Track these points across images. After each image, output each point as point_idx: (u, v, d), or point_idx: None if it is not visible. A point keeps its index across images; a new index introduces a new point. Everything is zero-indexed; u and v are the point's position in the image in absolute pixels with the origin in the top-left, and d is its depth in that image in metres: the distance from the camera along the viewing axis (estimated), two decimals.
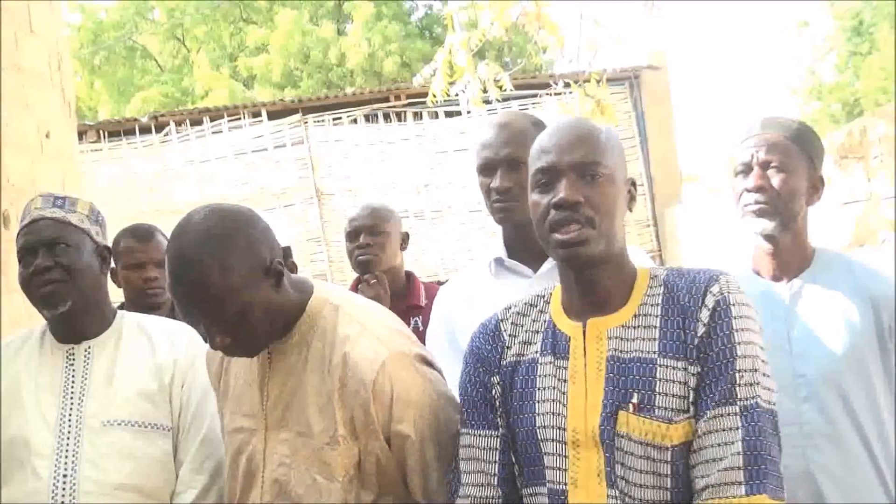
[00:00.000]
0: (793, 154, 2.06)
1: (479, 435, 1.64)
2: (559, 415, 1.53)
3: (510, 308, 1.71)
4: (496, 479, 1.61)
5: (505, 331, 1.68)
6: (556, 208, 1.52)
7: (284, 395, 1.76)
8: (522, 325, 1.67)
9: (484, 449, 1.63)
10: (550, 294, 1.67)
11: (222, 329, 1.65)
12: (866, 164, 6.29)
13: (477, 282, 2.22)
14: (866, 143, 6.29)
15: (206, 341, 1.73)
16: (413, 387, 1.69)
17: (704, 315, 1.47)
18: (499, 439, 1.63)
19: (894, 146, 5.50)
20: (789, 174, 2.05)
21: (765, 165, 2.06)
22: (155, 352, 2.09)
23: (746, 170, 2.09)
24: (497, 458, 1.62)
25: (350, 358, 1.68)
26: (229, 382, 1.90)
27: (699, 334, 1.46)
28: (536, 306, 1.68)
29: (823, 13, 23.56)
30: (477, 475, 1.62)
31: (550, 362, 1.58)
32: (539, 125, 2.13)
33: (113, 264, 3.00)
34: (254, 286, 1.65)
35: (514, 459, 1.62)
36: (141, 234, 3.07)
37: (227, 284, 1.61)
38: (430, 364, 1.78)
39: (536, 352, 1.61)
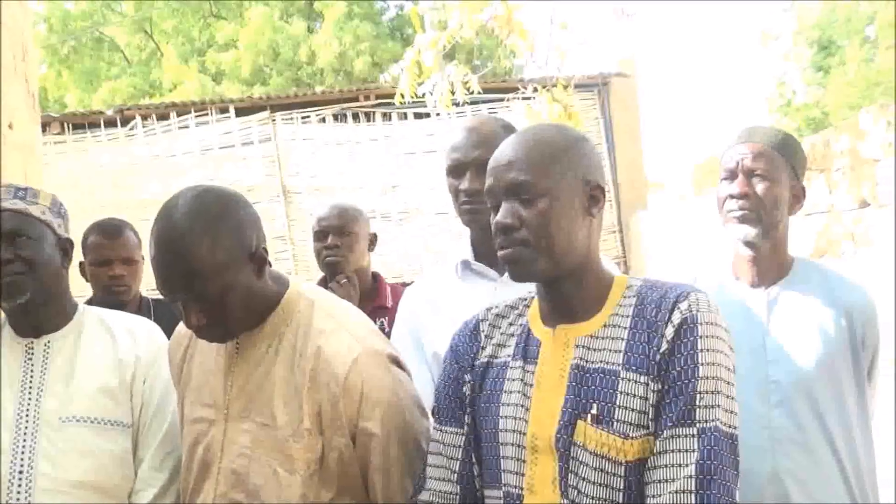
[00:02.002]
0: (777, 163, 2.09)
1: (447, 431, 1.66)
2: (521, 419, 1.54)
3: (491, 309, 1.72)
4: (456, 476, 1.63)
5: (482, 331, 1.69)
6: (496, 230, 1.55)
7: (250, 386, 1.76)
8: (499, 327, 1.67)
9: (449, 445, 1.65)
10: (532, 298, 1.67)
11: (200, 307, 1.66)
12: (828, 177, 6.38)
13: (443, 284, 2.22)
14: (829, 155, 6.39)
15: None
16: (383, 386, 1.70)
17: (669, 332, 1.45)
18: (463, 437, 1.64)
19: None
20: (773, 183, 2.08)
21: (749, 173, 2.08)
22: (116, 347, 2.06)
23: (731, 176, 2.11)
24: (459, 456, 1.64)
25: (323, 352, 1.69)
26: (192, 372, 1.89)
27: (661, 351, 1.45)
28: (516, 309, 1.69)
29: (788, 25, 23.91)
30: (440, 470, 1.65)
31: (520, 366, 1.58)
32: (510, 129, 2.14)
33: (82, 258, 2.98)
34: (238, 268, 1.67)
35: (474, 459, 1.63)
36: (110, 231, 3.06)
37: (214, 261, 1.63)
38: (400, 365, 1.79)
39: (509, 355, 1.61)
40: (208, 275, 1.63)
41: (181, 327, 1.96)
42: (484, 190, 1.61)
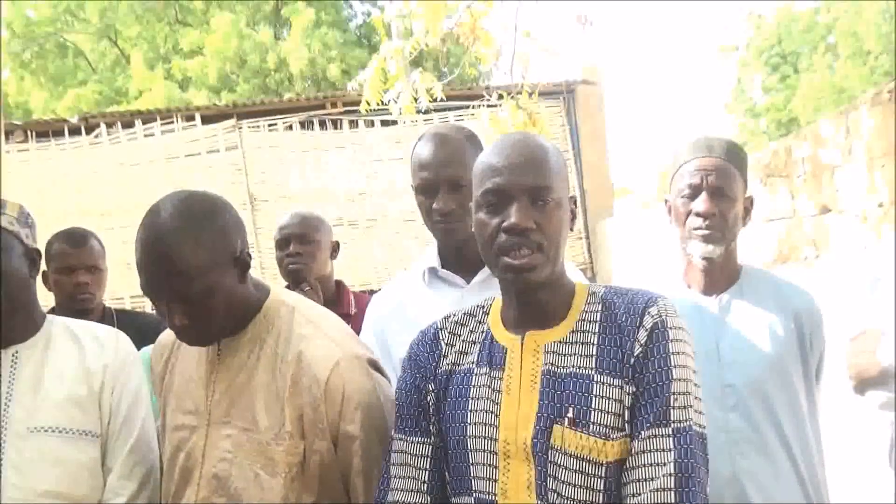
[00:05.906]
0: (736, 179, 2.13)
1: (412, 441, 1.65)
2: (491, 425, 1.55)
3: (450, 317, 1.73)
4: (426, 486, 1.62)
5: (443, 339, 1.69)
6: (506, 232, 1.52)
7: (231, 391, 1.78)
8: (460, 335, 1.68)
9: (415, 455, 1.64)
10: (490, 305, 1.69)
11: (183, 308, 1.68)
12: (790, 183, 6.46)
13: (410, 291, 2.23)
14: (791, 162, 6.47)
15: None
16: (364, 389, 1.72)
17: (642, 335, 1.49)
18: (430, 447, 1.64)
19: None
20: (734, 200, 2.12)
21: (714, 191, 2.11)
22: (84, 357, 2.05)
23: (694, 193, 2.13)
24: (427, 466, 1.63)
25: (304, 356, 1.72)
26: (173, 380, 1.91)
27: (636, 354, 1.48)
28: (475, 316, 1.70)
29: (746, 34, 24.21)
30: (407, 481, 1.63)
31: (486, 373, 1.59)
32: (472, 138, 2.15)
33: (45, 267, 2.96)
34: (221, 270, 1.69)
35: (444, 467, 1.63)
36: (74, 239, 3.05)
37: (198, 262, 1.65)
38: (379, 370, 1.82)
39: (472, 362, 1.63)
40: (192, 275, 1.65)
41: (163, 337, 1.99)
42: (490, 188, 1.55)
